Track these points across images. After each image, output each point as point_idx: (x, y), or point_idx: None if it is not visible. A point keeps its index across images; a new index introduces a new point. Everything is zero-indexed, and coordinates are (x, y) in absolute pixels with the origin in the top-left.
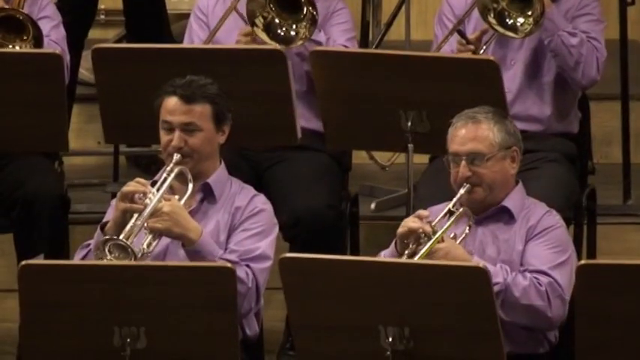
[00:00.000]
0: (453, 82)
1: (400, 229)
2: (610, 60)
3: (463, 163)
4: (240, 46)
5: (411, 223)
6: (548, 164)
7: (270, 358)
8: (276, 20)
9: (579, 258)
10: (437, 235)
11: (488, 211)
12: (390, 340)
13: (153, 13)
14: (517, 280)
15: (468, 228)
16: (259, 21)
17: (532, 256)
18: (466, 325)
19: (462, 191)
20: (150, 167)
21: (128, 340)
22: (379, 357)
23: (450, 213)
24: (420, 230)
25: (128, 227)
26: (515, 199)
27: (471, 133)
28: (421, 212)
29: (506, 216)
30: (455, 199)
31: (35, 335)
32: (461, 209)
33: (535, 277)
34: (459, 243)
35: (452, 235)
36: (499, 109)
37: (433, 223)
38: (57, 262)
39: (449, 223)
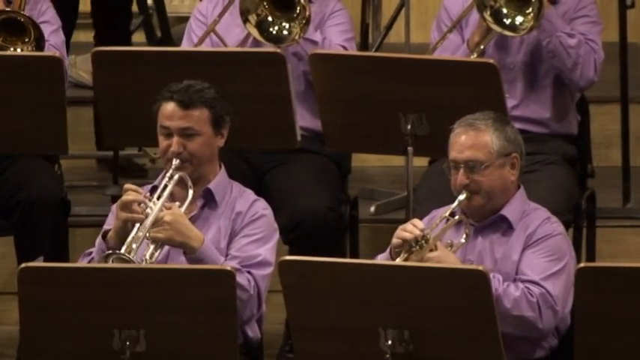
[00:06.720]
0: (453, 85)
1: (394, 240)
2: (610, 63)
3: (461, 170)
4: (239, 48)
5: (404, 233)
6: (548, 167)
7: None
8: (269, 18)
9: (578, 261)
10: (429, 244)
11: (487, 220)
12: (390, 342)
13: (119, 12)
14: (509, 291)
15: (464, 237)
16: (252, 18)
17: (526, 265)
18: (466, 328)
19: (460, 198)
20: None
21: (128, 343)
22: None
23: (447, 220)
24: (412, 238)
25: (130, 238)
26: (515, 207)
27: (470, 140)
28: (416, 222)
29: (504, 225)
30: (452, 207)
31: (35, 338)
32: (456, 217)
33: (527, 288)
34: (456, 251)
35: (449, 242)
36: (500, 113)
37: (432, 229)
38: (57, 265)
39: (439, 230)
